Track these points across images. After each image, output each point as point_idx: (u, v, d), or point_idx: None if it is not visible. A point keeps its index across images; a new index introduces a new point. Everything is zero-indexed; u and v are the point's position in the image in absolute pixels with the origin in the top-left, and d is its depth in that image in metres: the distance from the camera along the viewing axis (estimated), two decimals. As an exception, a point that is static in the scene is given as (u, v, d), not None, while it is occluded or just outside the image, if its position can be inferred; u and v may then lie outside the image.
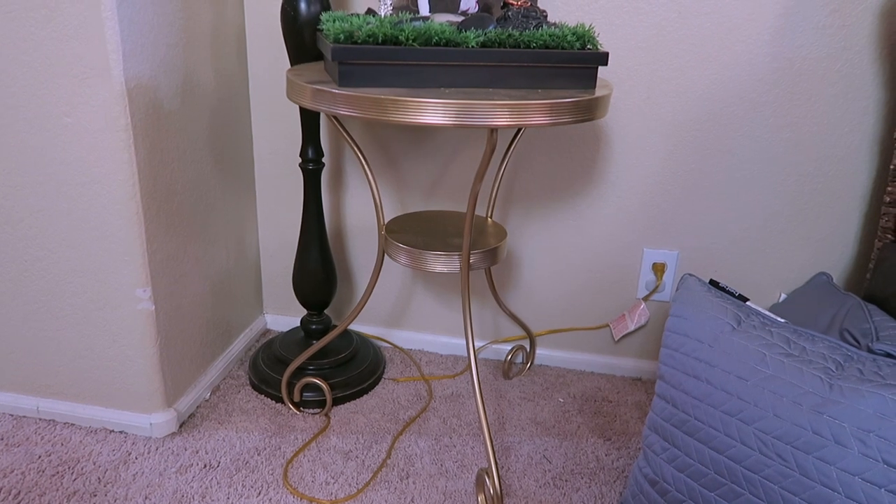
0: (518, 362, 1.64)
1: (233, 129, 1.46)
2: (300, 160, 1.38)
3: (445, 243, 1.20)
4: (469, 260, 1.14)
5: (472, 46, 0.97)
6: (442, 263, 1.15)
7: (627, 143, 1.42)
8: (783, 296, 1.47)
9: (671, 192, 1.44)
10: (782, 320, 0.99)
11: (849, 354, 0.90)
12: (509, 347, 1.63)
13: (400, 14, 1.05)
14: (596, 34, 1.04)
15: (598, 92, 1.03)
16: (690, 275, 1.12)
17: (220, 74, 1.38)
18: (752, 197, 1.41)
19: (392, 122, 0.91)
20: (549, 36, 1.01)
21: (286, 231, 1.64)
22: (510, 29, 1.01)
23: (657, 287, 1.50)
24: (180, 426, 1.35)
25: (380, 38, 0.94)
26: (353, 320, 1.33)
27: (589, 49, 1.02)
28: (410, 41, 0.94)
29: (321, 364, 1.46)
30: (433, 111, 0.90)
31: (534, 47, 0.99)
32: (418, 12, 1.18)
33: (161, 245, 1.24)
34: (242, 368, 1.56)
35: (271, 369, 1.48)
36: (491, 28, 1.00)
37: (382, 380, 1.54)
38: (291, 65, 1.28)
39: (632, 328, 1.51)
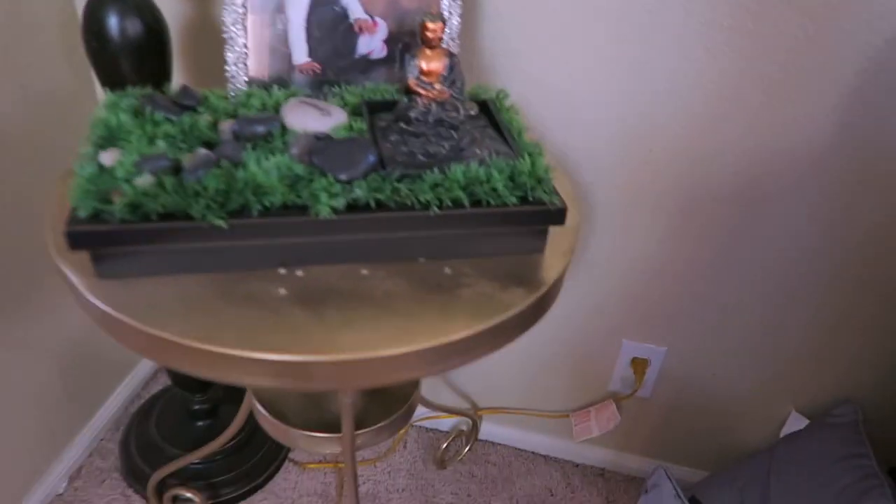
0: (462, 431, 1.33)
1: (66, 150, 1.05)
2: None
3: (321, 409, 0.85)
4: (354, 444, 0.79)
5: (327, 218, 0.56)
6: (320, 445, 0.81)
7: (612, 218, 1.01)
8: (793, 413, 1.13)
9: (663, 280, 1.06)
10: None
11: None
12: (447, 424, 1.32)
13: (222, 126, 0.63)
14: (552, 174, 0.62)
15: (549, 265, 0.63)
16: (668, 477, 0.78)
17: (31, 91, 0.95)
18: (762, 295, 1.03)
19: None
20: (465, 178, 0.59)
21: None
22: (396, 172, 0.59)
23: (635, 390, 1.16)
24: (18, 543, 1.08)
25: (155, 210, 0.53)
26: (248, 412, 0.99)
27: (536, 199, 0.61)
28: (209, 217, 0.54)
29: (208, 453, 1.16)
30: (232, 369, 0.52)
31: (437, 207, 0.58)
32: (291, 63, 0.75)
33: (-55, 362, 0.90)
34: (120, 432, 1.27)
35: (143, 457, 1.19)
36: (367, 163, 0.59)
37: (286, 463, 1.25)
38: (103, 85, 0.84)
39: (596, 434, 1.19)
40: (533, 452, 1.32)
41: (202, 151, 0.58)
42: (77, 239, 0.53)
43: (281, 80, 0.76)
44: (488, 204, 0.59)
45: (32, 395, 1.07)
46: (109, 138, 0.59)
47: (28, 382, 1.05)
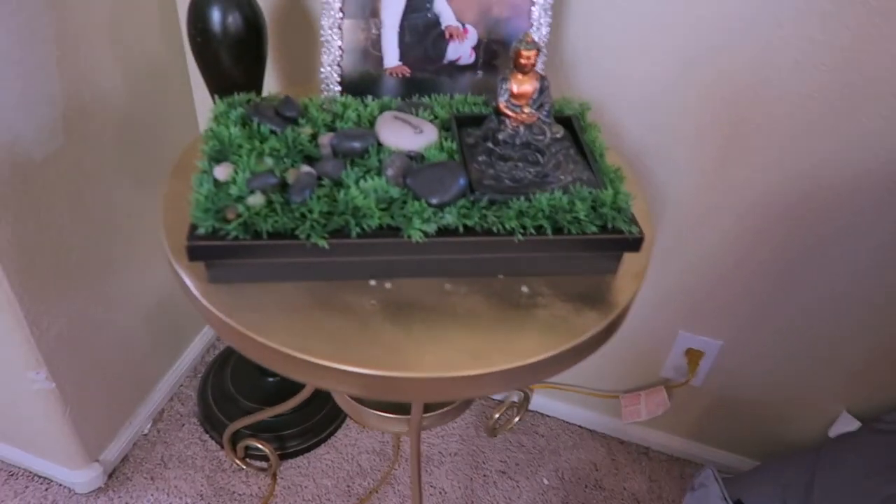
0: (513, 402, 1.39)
1: (160, 124, 1.11)
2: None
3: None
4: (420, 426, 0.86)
5: (418, 241, 0.60)
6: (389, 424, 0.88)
7: (684, 215, 1.03)
8: (844, 414, 1.15)
9: (727, 278, 1.07)
10: None
11: None
12: (500, 394, 1.38)
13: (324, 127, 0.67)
14: (631, 201, 0.65)
15: (621, 288, 0.66)
16: (715, 477, 0.83)
17: (132, 67, 1.01)
18: (826, 302, 1.04)
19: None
20: (549, 207, 0.62)
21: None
22: (484, 198, 0.62)
23: (687, 380, 1.19)
24: (110, 475, 1.21)
25: (265, 230, 0.59)
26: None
27: (615, 228, 0.64)
28: (313, 237, 0.58)
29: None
30: (328, 379, 0.58)
31: (521, 234, 0.62)
32: (382, 64, 0.78)
33: (55, 319, 0.99)
34: (197, 379, 1.37)
35: (219, 407, 1.29)
36: (457, 187, 0.62)
37: (347, 421, 1.34)
38: (211, 92, 0.90)
39: (644, 418, 1.24)
40: (580, 426, 1.37)
41: (305, 169, 0.62)
42: (196, 252, 0.58)
43: (370, 78, 0.79)
44: (569, 231, 0.62)
45: (123, 345, 1.17)
46: (222, 151, 0.63)
47: (119, 333, 1.15)
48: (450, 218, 0.60)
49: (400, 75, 0.80)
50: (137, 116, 1.04)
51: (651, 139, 0.97)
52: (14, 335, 0.95)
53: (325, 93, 0.80)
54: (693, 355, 1.18)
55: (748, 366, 1.17)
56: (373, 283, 0.65)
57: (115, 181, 1.03)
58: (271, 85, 1.04)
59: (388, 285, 0.65)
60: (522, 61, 0.64)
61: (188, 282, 0.62)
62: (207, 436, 1.29)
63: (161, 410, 1.32)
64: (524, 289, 0.65)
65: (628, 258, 0.69)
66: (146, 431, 1.28)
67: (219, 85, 0.86)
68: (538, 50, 0.64)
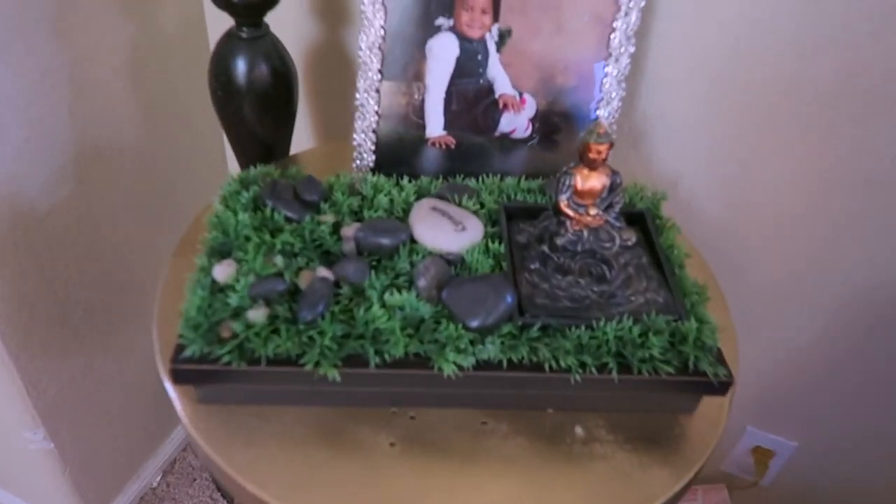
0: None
1: (183, 173, 1.03)
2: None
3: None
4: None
5: (451, 376, 0.49)
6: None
7: (761, 304, 0.89)
8: (939, 540, 0.99)
9: (807, 376, 0.93)
10: None
11: None
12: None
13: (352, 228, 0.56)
14: (718, 333, 0.52)
15: (699, 435, 0.54)
16: None
17: (156, 113, 0.92)
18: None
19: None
20: (616, 339, 0.50)
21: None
22: (535, 325, 0.51)
23: (755, 482, 1.05)
24: (112, 534, 1.13)
25: (265, 356, 0.48)
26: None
27: (698, 369, 0.51)
28: (323, 367, 0.48)
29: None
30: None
31: (578, 372, 0.50)
32: (424, 132, 0.67)
33: (55, 377, 0.91)
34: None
35: (232, 463, 1.19)
36: (503, 307, 0.50)
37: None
38: (234, 147, 0.80)
39: (700, 520, 1.10)
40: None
41: (321, 273, 0.52)
42: (181, 377, 0.48)
43: (409, 147, 0.68)
44: (639, 371, 0.50)
45: (131, 397, 1.08)
46: (225, 244, 0.53)
47: (128, 386, 1.06)
48: (491, 350, 0.49)
49: (443, 146, 0.69)
50: (159, 164, 0.96)
51: (728, 218, 0.84)
52: (10, 393, 0.87)
53: (357, 161, 0.69)
54: (762, 454, 1.03)
55: (825, 473, 1.02)
56: (394, 409, 0.53)
57: (128, 231, 0.95)
58: (302, 139, 0.94)
59: (411, 414, 0.53)
60: (592, 156, 0.52)
61: (175, 400, 0.52)
62: (219, 493, 1.20)
63: (173, 461, 1.23)
64: (578, 430, 0.54)
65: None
66: (155, 485, 1.20)
67: (242, 143, 0.76)
68: (611, 143, 0.52)
